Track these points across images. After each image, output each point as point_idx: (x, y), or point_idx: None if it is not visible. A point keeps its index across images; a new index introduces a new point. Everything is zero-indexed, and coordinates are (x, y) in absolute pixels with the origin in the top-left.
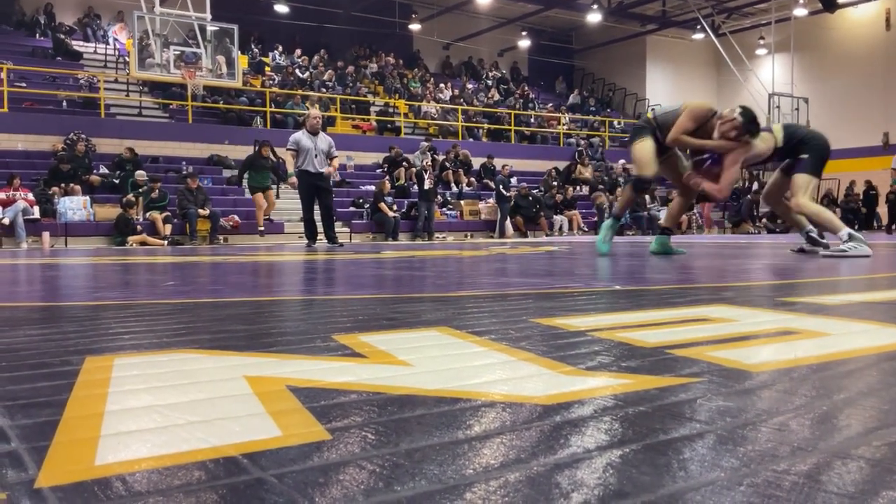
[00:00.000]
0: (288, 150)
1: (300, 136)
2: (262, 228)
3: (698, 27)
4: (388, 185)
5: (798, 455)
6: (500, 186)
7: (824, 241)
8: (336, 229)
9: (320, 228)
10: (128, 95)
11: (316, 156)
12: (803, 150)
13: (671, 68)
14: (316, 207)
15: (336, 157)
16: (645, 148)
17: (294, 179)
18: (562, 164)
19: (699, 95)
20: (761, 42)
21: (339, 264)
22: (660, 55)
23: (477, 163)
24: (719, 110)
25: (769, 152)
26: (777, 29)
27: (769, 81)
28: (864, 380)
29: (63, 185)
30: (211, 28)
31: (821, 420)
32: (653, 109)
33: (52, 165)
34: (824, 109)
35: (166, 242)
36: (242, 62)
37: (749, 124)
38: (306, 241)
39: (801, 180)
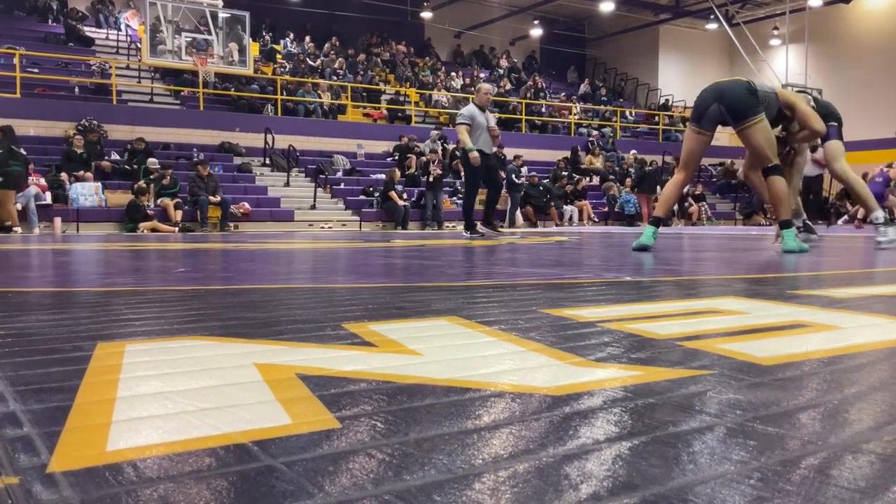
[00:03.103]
0: (462, 124)
1: (473, 110)
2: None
3: (712, 17)
4: (397, 173)
5: (808, 449)
6: (512, 175)
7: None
8: (345, 217)
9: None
10: (139, 82)
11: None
12: (826, 118)
13: (684, 58)
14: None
15: (498, 135)
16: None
17: (476, 155)
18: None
19: None
20: (775, 32)
21: (349, 253)
22: (673, 45)
23: None
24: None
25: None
26: (791, 19)
27: (783, 72)
28: (876, 374)
29: (75, 172)
30: (222, 15)
31: (831, 414)
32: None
33: (65, 150)
34: (837, 101)
35: (177, 229)
36: (253, 49)
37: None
38: (469, 232)
39: (837, 147)
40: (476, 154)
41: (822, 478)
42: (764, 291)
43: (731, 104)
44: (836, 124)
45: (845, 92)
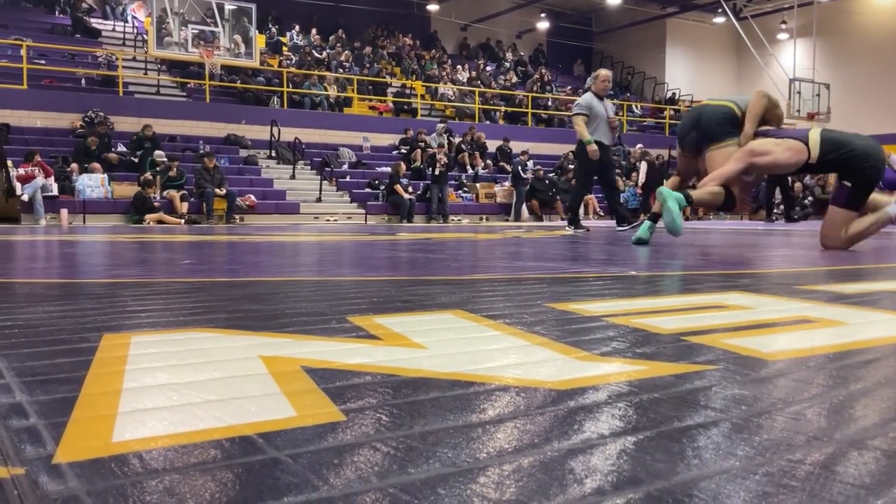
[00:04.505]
0: (577, 114)
1: (591, 98)
2: None
3: (719, 10)
4: (403, 166)
5: (813, 444)
6: (519, 168)
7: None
8: (350, 210)
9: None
10: (146, 74)
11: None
12: (847, 173)
13: (691, 52)
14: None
15: (618, 125)
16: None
17: (595, 147)
18: None
19: (719, 80)
20: (783, 26)
21: (354, 246)
22: (680, 39)
23: (493, 146)
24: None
25: (796, 165)
26: (799, 13)
27: (790, 67)
28: (882, 370)
29: (83, 164)
30: (229, 7)
31: (837, 409)
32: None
33: (78, 144)
34: (846, 95)
35: (183, 221)
36: (260, 42)
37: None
38: (573, 228)
39: (838, 217)
40: (595, 147)
41: (827, 474)
42: (769, 286)
43: (703, 131)
44: (850, 185)
45: (853, 86)
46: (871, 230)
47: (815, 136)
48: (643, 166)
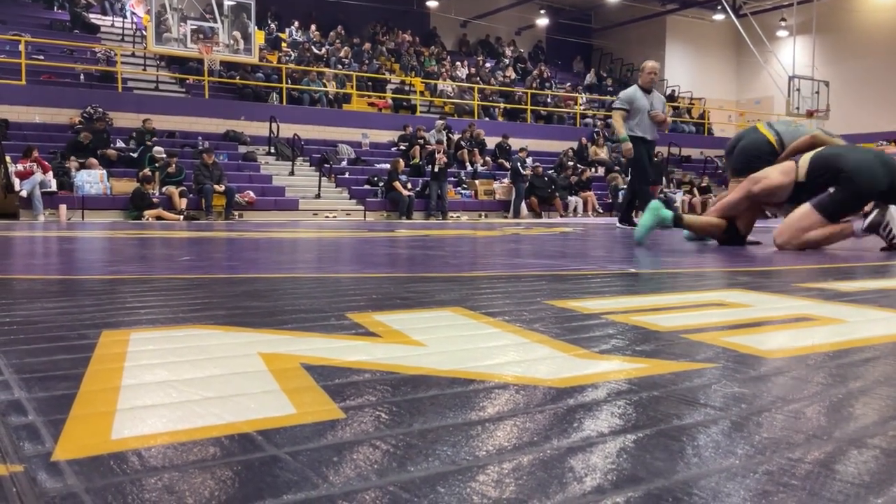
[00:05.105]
0: (617, 108)
1: (633, 92)
2: None
3: (719, 7)
4: (402, 163)
5: (813, 443)
6: (518, 165)
7: None
8: (350, 207)
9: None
10: (145, 70)
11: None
12: (835, 185)
13: (691, 49)
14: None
15: (664, 119)
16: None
17: (629, 146)
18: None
19: (718, 77)
20: (782, 24)
21: (353, 242)
22: (679, 35)
23: (492, 142)
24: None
25: (788, 187)
26: (799, 10)
27: (790, 64)
28: (881, 368)
29: (81, 159)
30: (228, 3)
31: (836, 408)
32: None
33: (70, 139)
34: (845, 93)
35: (182, 217)
36: (259, 38)
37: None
38: (625, 225)
39: (808, 219)
40: (629, 145)
41: (826, 472)
42: (769, 284)
43: (733, 159)
44: (833, 189)
45: (852, 84)
46: (831, 240)
47: (806, 157)
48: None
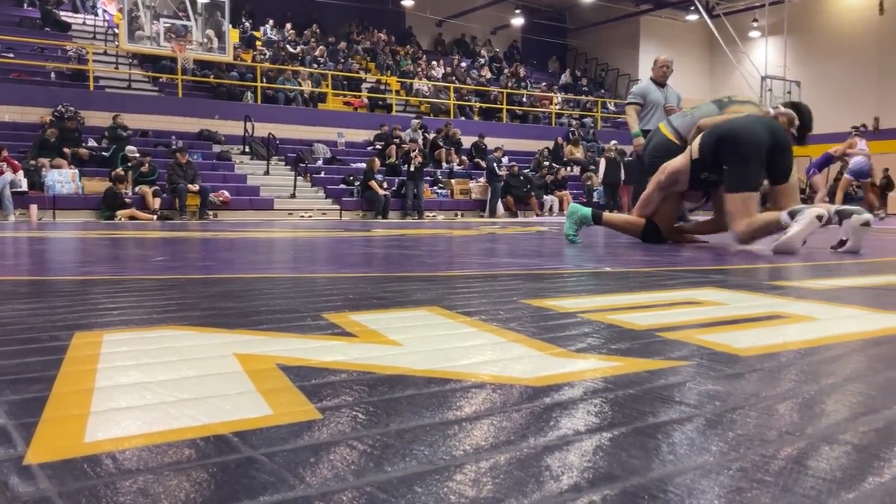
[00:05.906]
0: (630, 103)
1: (646, 86)
2: None
3: (692, 8)
4: (378, 162)
5: (786, 439)
6: (494, 164)
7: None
8: (325, 206)
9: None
10: (117, 68)
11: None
12: (723, 159)
13: (665, 49)
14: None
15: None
16: None
17: (641, 141)
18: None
19: (692, 78)
20: (755, 24)
21: (329, 242)
22: (653, 36)
23: (468, 142)
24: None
25: (686, 166)
26: (770, 11)
27: (762, 64)
28: (852, 365)
29: (48, 157)
30: (201, 0)
31: (808, 405)
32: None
33: (37, 137)
34: (817, 92)
35: (155, 217)
36: (233, 36)
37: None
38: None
39: (732, 203)
40: (641, 140)
41: (799, 468)
42: (743, 282)
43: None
44: (727, 168)
45: (823, 84)
46: (769, 228)
47: (696, 137)
48: (602, 162)
